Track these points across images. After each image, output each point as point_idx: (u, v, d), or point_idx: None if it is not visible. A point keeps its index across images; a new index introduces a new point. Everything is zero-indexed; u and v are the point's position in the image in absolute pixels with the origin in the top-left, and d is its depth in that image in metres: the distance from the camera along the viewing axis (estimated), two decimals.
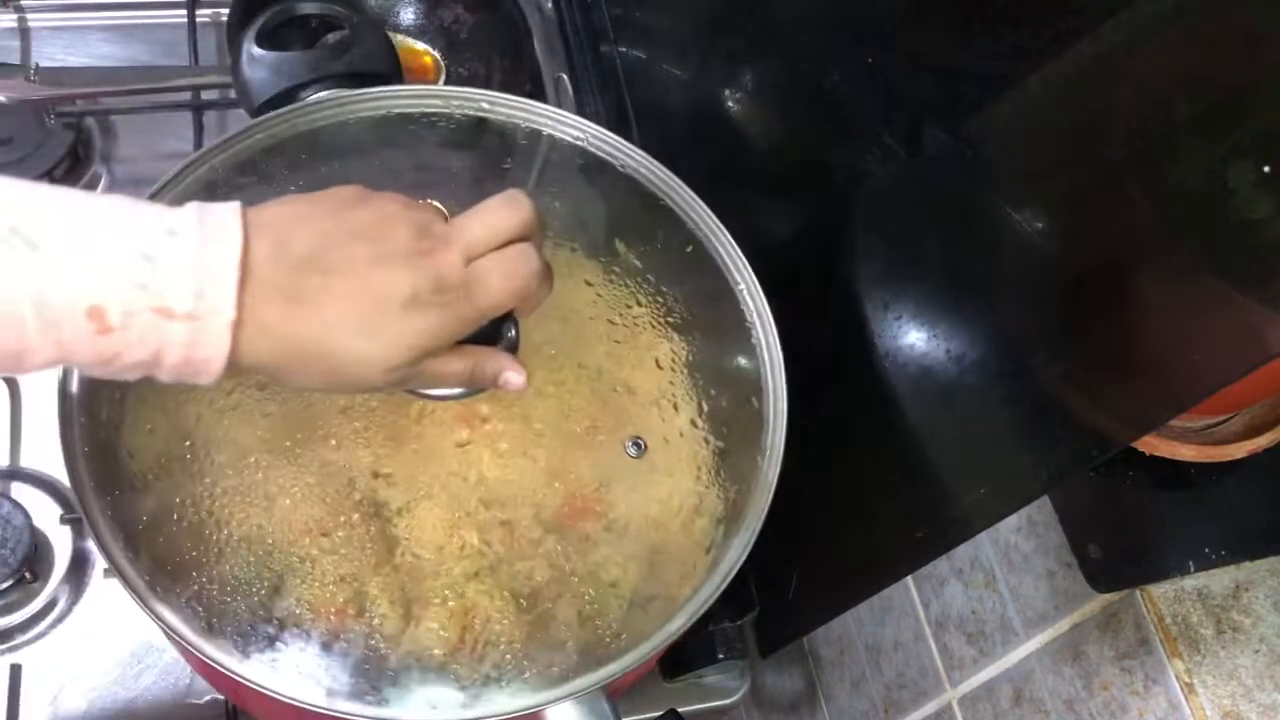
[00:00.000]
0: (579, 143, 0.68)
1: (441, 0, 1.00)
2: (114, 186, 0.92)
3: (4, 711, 0.74)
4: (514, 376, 0.51)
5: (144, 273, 0.41)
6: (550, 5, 1.04)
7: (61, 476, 0.68)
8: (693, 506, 0.59)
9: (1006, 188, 0.55)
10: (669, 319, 0.64)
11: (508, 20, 0.99)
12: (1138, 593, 0.61)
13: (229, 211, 0.44)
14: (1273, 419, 0.63)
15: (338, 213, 0.47)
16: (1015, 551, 0.70)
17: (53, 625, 0.77)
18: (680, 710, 0.65)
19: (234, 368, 0.44)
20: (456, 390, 0.57)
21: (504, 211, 0.49)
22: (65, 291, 0.40)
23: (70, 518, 0.77)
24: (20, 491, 0.78)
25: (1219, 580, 0.62)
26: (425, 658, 0.54)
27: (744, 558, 0.58)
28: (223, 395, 0.57)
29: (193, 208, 0.44)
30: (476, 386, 0.52)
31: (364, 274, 0.45)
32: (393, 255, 0.46)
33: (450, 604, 0.55)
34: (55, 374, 0.57)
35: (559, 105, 0.92)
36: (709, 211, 0.66)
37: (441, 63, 0.96)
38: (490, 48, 0.99)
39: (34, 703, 0.75)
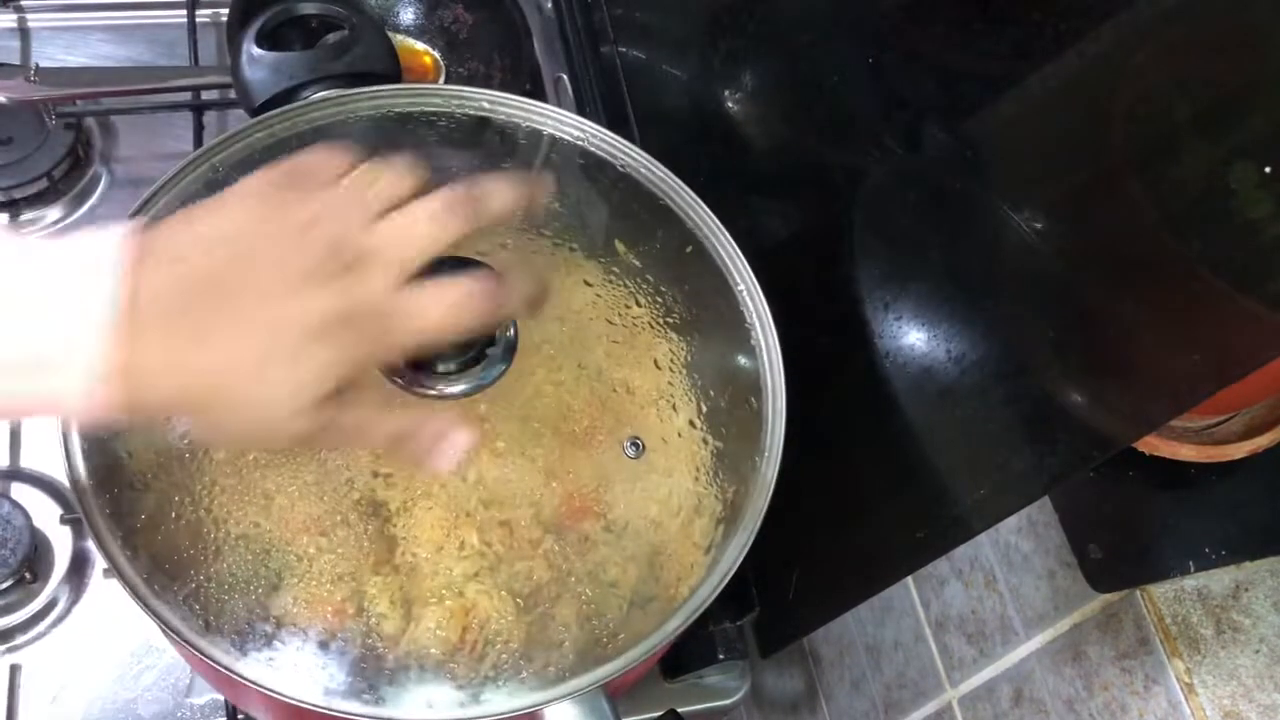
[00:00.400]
0: (579, 143, 0.68)
1: (441, 0, 1.00)
2: (114, 186, 0.93)
3: (4, 711, 0.74)
4: (459, 440, 0.45)
5: (11, 323, 0.38)
6: (550, 5, 1.04)
7: (61, 476, 0.68)
8: (691, 507, 0.59)
9: (1006, 188, 0.55)
10: (668, 319, 0.63)
11: (508, 20, 1.00)
12: (1138, 593, 0.61)
13: (110, 244, 0.40)
14: (1273, 419, 0.63)
15: (243, 228, 0.42)
16: (1015, 551, 0.70)
17: (53, 625, 0.77)
18: (680, 710, 0.65)
19: (131, 412, 0.40)
20: (455, 389, 0.57)
21: (442, 220, 0.43)
22: None
23: (70, 518, 0.77)
24: (20, 491, 0.78)
25: (1219, 580, 0.62)
26: (423, 657, 0.54)
27: (743, 558, 0.58)
28: None
29: (73, 241, 0.40)
30: (408, 458, 0.46)
31: (268, 302, 0.40)
32: (302, 277, 0.40)
33: (448, 603, 0.55)
34: None
35: (559, 105, 0.92)
36: (709, 211, 0.66)
37: (441, 63, 0.96)
38: (490, 48, 0.99)
39: (34, 703, 0.75)
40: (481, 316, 0.44)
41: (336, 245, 0.41)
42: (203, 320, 0.40)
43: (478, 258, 0.56)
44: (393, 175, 0.44)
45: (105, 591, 0.78)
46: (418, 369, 0.57)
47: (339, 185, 0.43)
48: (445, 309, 0.43)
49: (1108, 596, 0.63)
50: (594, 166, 0.67)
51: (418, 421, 0.45)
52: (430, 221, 0.43)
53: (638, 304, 0.63)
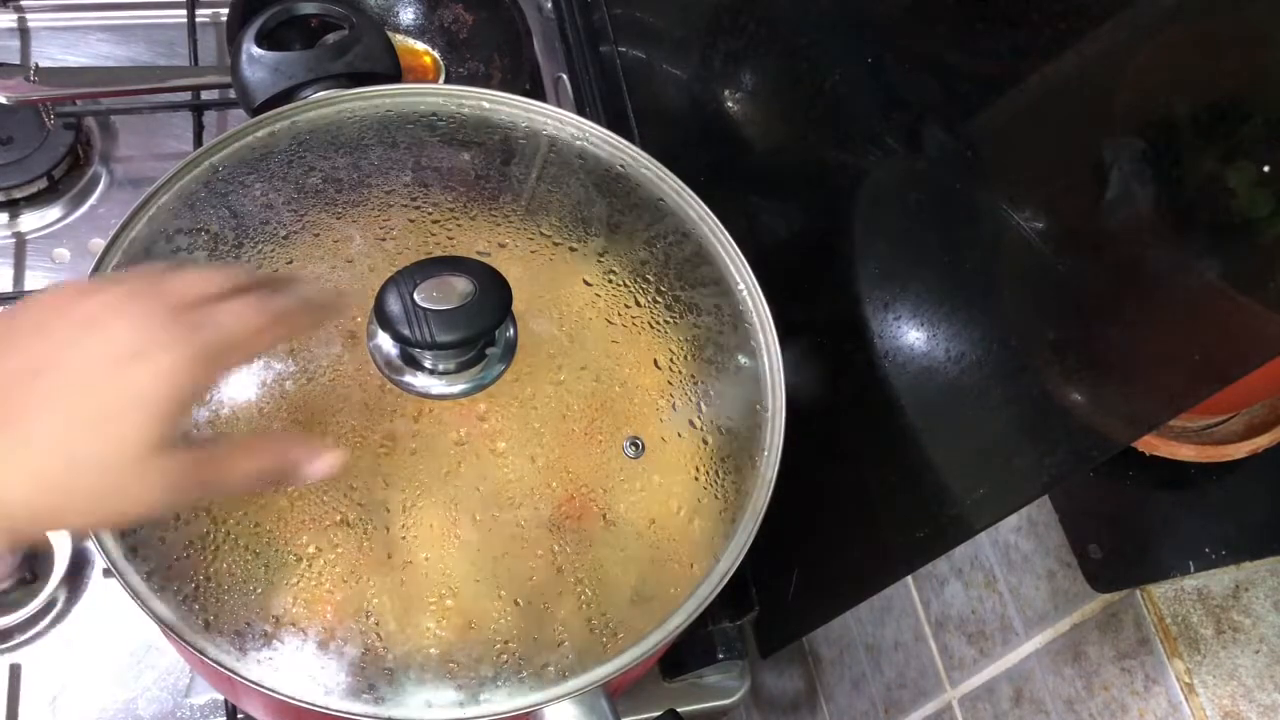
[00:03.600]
0: (579, 142, 0.68)
1: (441, 0, 1.00)
2: (114, 186, 0.93)
3: (4, 711, 0.74)
4: (317, 467, 0.46)
5: None
6: (550, 5, 1.04)
7: None
8: (691, 506, 0.59)
9: (1006, 188, 0.55)
10: (668, 319, 0.63)
11: (508, 20, 1.00)
12: (1138, 593, 0.61)
13: None
14: (1273, 419, 0.63)
15: (32, 320, 0.41)
16: (1015, 551, 0.70)
17: (52, 625, 0.77)
18: (680, 710, 0.65)
19: (10, 539, 0.39)
20: (455, 389, 0.57)
21: (224, 277, 0.44)
22: None
23: None
24: None
25: (1219, 580, 0.62)
26: (423, 657, 0.54)
27: (742, 557, 0.58)
28: (219, 392, 0.57)
29: None
30: (279, 483, 0.48)
31: (51, 368, 0.39)
32: (68, 334, 0.40)
33: (448, 603, 0.55)
34: None
35: (559, 105, 0.92)
36: (709, 211, 0.66)
37: (441, 63, 0.96)
38: (490, 48, 0.99)
39: (34, 703, 0.75)
40: (271, 325, 0.44)
41: (98, 288, 0.42)
42: (18, 419, 0.39)
43: (478, 257, 0.57)
44: (199, 279, 0.44)
45: (105, 591, 0.78)
46: (418, 370, 0.57)
47: (125, 284, 0.43)
48: (234, 312, 0.43)
49: (1108, 596, 0.63)
50: (594, 166, 0.67)
51: (276, 451, 0.46)
52: (230, 307, 0.43)
53: (637, 304, 0.63)
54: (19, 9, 0.97)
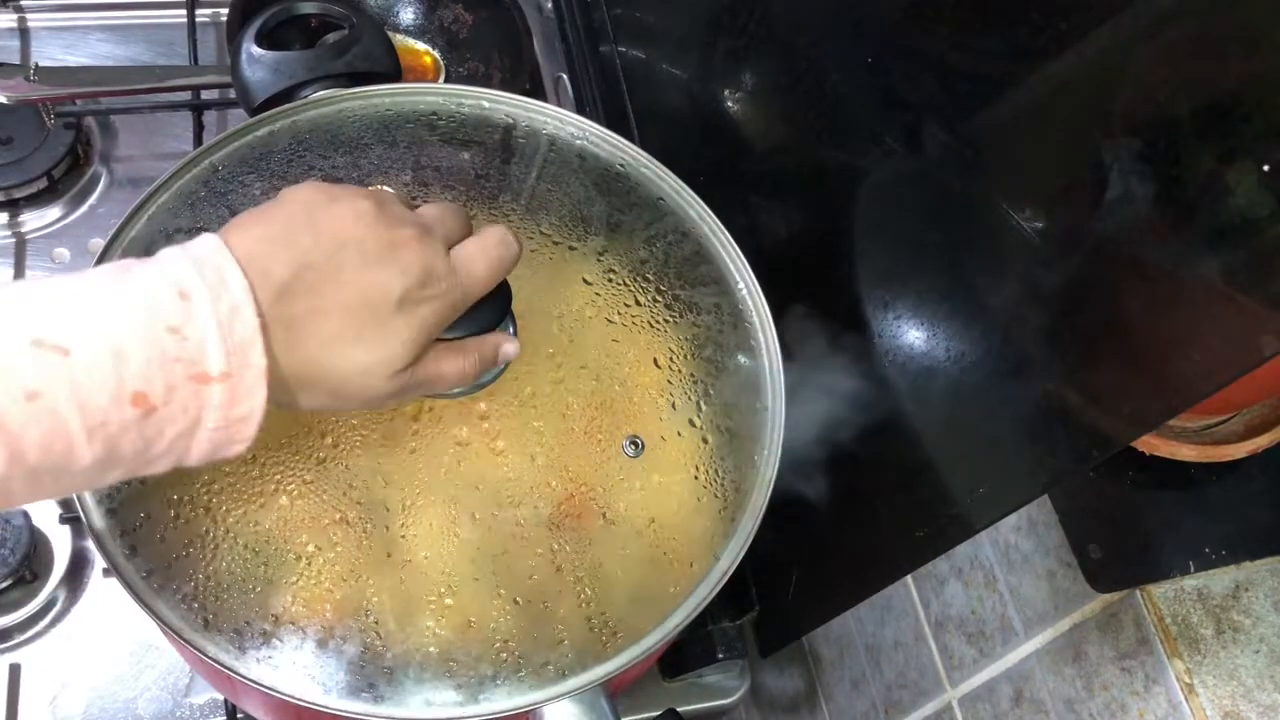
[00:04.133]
0: (578, 142, 0.68)
1: (441, 0, 1.00)
2: (113, 186, 0.93)
3: (4, 711, 0.74)
4: (510, 348, 0.53)
5: (175, 346, 0.41)
6: (550, 5, 1.04)
7: None
8: (691, 505, 0.59)
9: (1006, 188, 0.55)
10: (668, 318, 0.63)
11: (508, 20, 1.00)
12: (1138, 593, 0.61)
13: (220, 256, 0.43)
14: (1273, 419, 0.63)
15: (310, 222, 0.46)
16: (1015, 551, 0.70)
17: (52, 625, 0.77)
18: (680, 710, 0.65)
19: (273, 404, 0.44)
20: (456, 388, 0.57)
21: (494, 255, 0.51)
22: (107, 388, 0.40)
23: (69, 517, 0.77)
24: None
25: (1219, 580, 0.62)
26: (423, 656, 0.54)
27: (742, 556, 0.58)
28: None
29: (186, 260, 0.42)
30: (481, 374, 0.53)
31: (352, 282, 0.45)
32: (377, 255, 0.46)
33: (447, 602, 0.55)
34: None
35: (559, 105, 0.92)
36: (709, 211, 0.66)
37: (441, 62, 0.96)
38: (490, 47, 0.99)
39: (34, 703, 0.75)
40: (510, 266, 0.51)
41: (395, 220, 0.47)
42: (298, 313, 0.44)
43: None
44: (458, 218, 0.52)
45: (105, 591, 0.78)
46: None
47: (420, 217, 0.50)
48: (489, 262, 0.50)
49: (1108, 596, 0.63)
50: (594, 166, 0.67)
51: (477, 351, 0.51)
52: (484, 256, 0.50)
53: (637, 303, 0.63)
54: (19, 9, 0.97)
